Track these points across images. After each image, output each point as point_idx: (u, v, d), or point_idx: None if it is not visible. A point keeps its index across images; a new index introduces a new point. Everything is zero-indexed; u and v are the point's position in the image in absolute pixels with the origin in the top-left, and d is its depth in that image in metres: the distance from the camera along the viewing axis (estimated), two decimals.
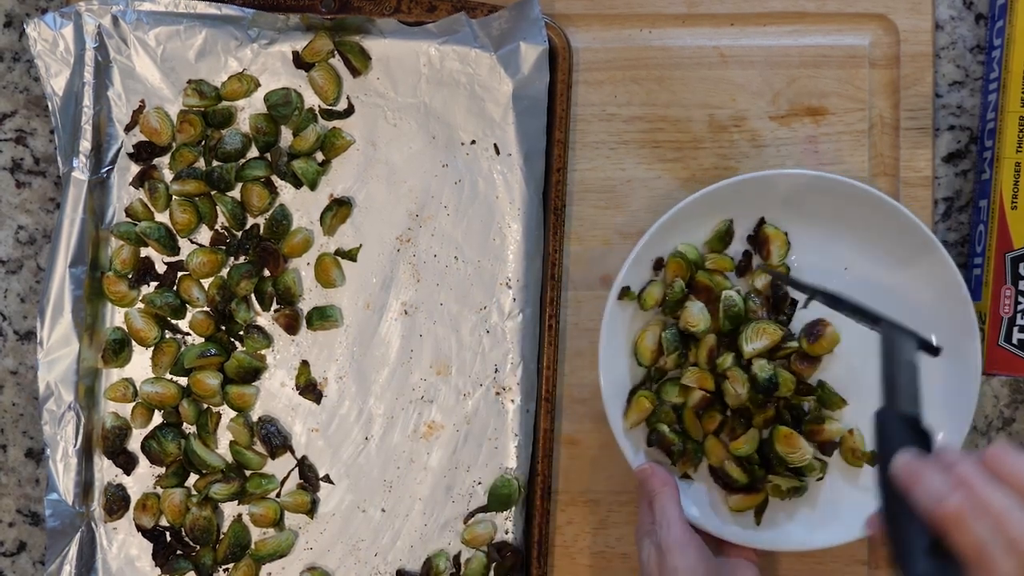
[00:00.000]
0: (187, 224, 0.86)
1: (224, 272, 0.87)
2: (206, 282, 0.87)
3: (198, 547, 0.85)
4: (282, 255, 0.86)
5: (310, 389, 0.86)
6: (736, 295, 0.81)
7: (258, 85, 0.87)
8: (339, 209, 0.86)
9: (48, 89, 0.85)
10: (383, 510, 0.85)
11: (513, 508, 0.85)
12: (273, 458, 0.86)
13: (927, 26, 0.86)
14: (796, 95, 0.86)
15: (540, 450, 0.84)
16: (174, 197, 0.86)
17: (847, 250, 0.83)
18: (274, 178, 0.87)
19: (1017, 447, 0.57)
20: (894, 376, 0.63)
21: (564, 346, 0.86)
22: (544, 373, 0.85)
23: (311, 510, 0.86)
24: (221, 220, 0.87)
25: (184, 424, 0.87)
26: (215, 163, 0.86)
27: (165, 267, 0.87)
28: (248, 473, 0.86)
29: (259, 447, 0.86)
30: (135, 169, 0.87)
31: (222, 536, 0.86)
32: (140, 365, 0.87)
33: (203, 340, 0.86)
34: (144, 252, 0.87)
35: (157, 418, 0.87)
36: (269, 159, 0.87)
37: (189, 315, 0.87)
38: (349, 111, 0.87)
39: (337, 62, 0.87)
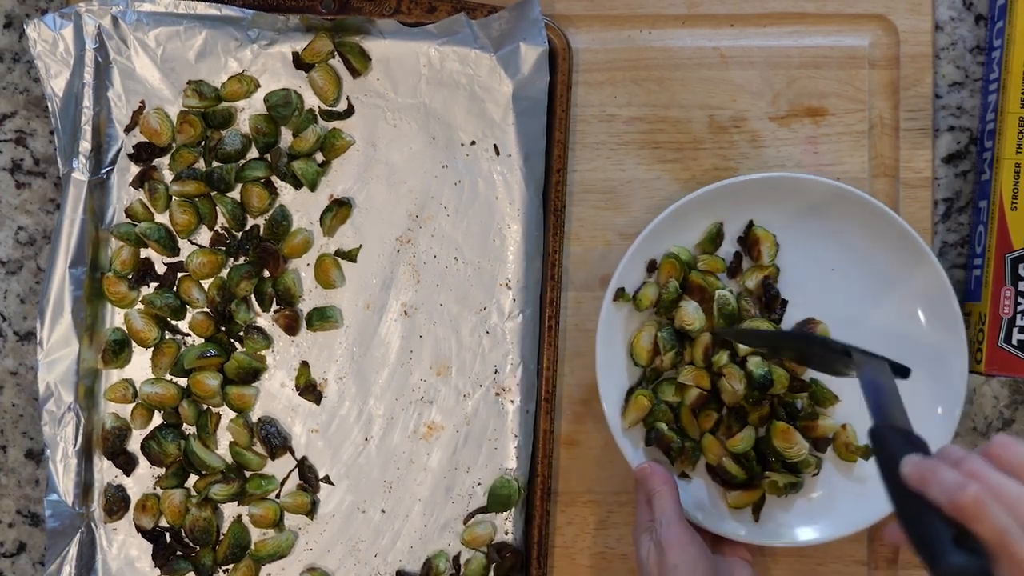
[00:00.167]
0: (187, 225, 0.86)
1: (224, 273, 0.87)
2: (206, 283, 0.87)
3: (198, 548, 0.85)
4: (282, 256, 0.86)
5: (310, 390, 0.86)
6: (729, 294, 0.82)
7: (258, 86, 0.87)
8: (339, 210, 0.86)
9: (48, 90, 0.85)
10: (383, 511, 0.85)
11: (513, 509, 0.85)
12: (273, 459, 0.86)
13: (927, 27, 0.86)
14: (796, 96, 0.86)
15: (540, 451, 0.84)
16: (174, 198, 0.86)
17: (834, 251, 0.84)
18: (274, 179, 0.87)
19: (1017, 438, 0.58)
20: (879, 397, 0.65)
21: (564, 347, 0.86)
22: (544, 374, 0.85)
23: (311, 511, 0.86)
24: (221, 221, 0.87)
25: (184, 425, 0.87)
26: (215, 164, 0.86)
27: (165, 268, 0.87)
28: (248, 474, 0.86)
29: (259, 448, 0.86)
30: (135, 170, 0.87)
31: (222, 537, 0.86)
32: (140, 366, 0.87)
33: (203, 341, 0.86)
34: (144, 253, 0.87)
35: (157, 419, 0.87)
36: (269, 160, 0.87)
37: (189, 316, 0.87)
38: (349, 112, 0.87)
39: (337, 63, 0.87)
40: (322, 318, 0.86)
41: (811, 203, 0.82)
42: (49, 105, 0.85)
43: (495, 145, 0.86)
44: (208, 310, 0.87)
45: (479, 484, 0.85)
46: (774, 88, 0.86)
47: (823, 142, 0.86)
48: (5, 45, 0.91)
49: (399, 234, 0.86)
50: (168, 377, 0.86)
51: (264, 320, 0.87)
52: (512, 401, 0.85)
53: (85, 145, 0.85)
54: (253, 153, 0.87)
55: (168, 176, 0.87)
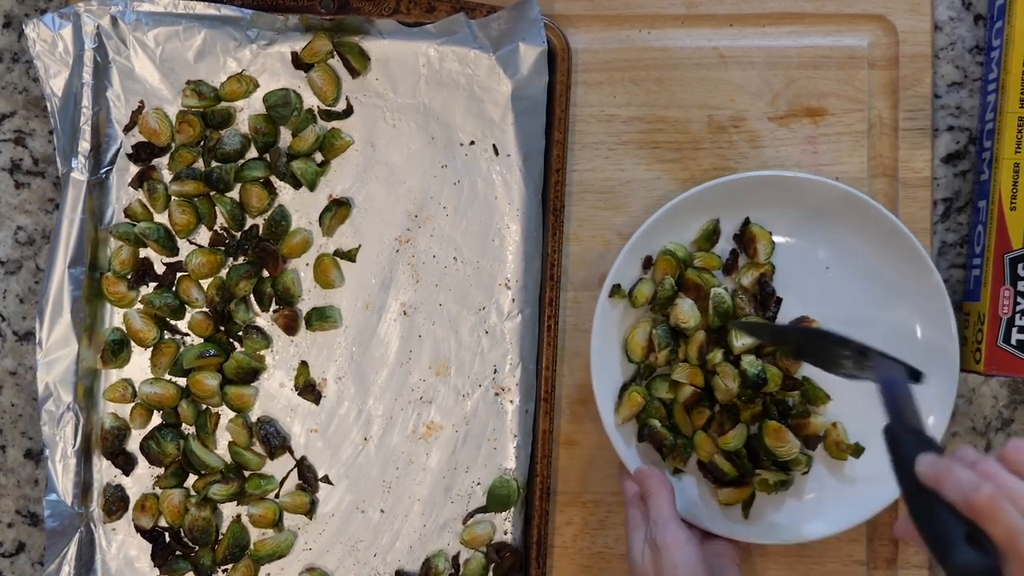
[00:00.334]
0: (186, 225, 0.86)
1: (223, 273, 0.87)
2: (205, 283, 0.87)
3: (197, 548, 0.85)
4: (281, 256, 0.86)
5: (309, 390, 0.86)
6: (724, 292, 0.82)
7: (257, 86, 0.87)
8: (338, 210, 0.86)
9: (47, 90, 0.85)
10: (382, 511, 0.85)
11: (512, 509, 0.85)
12: (272, 459, 0.86)
13: (926, 27, 0.86)
14: (795, 96, 0.86)
15: (539, 451, 0.84)
16: (173, 198, 0.86)
17: (830, 250, 0.84)
18: (273, 179, 0.87)
19: None
20: (894, 397, 0.66)
21: (563, 347, 0.86)
22: (543, 374, 0.85)
23: (310, 511, 0.86)
24: (220, 221, 0.87)
25: (183, 425, 0.87)
26: (214, 164, 0.86)
27: (164, 268, 0.87)
28: (247, 474, 0.86)
29: (258, 448, 0.86)
30: (134, 170, 0.87)
31: (221, 537, 0.86)
32: (139, 366, 0.87)
33: (202, 341, 0.86)
34: (143, 253, 0.87)
35: (156, 419, 0.87)
36: (268, 160, 0.87)
37: (188, 316, 0.87)
38: (348, 112, 0.87)
39: (336, 63, 0.87)
40: (321, 318, 0.86)
41: (807, 202, 0.82)
42: (48, 105, 0.85)
43: (494, 145, 0.86)
44: (207, 310, 0.87)
45: (478, 484, 0.85)
46: (773, 88, 0.86)
47: (822, 142, 0.86)
48: (4, 45, 0.91)
49: (398, 234, 0.86)
50: (167, 377, 0.86)
51: (263, 320, 0.87)
52: (511, 401, 0.85)
53: (84, 145, 0.85)
54: (252, 153, 0.87)
55: (167, 176, 0.87)
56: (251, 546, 0.86)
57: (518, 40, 0.84)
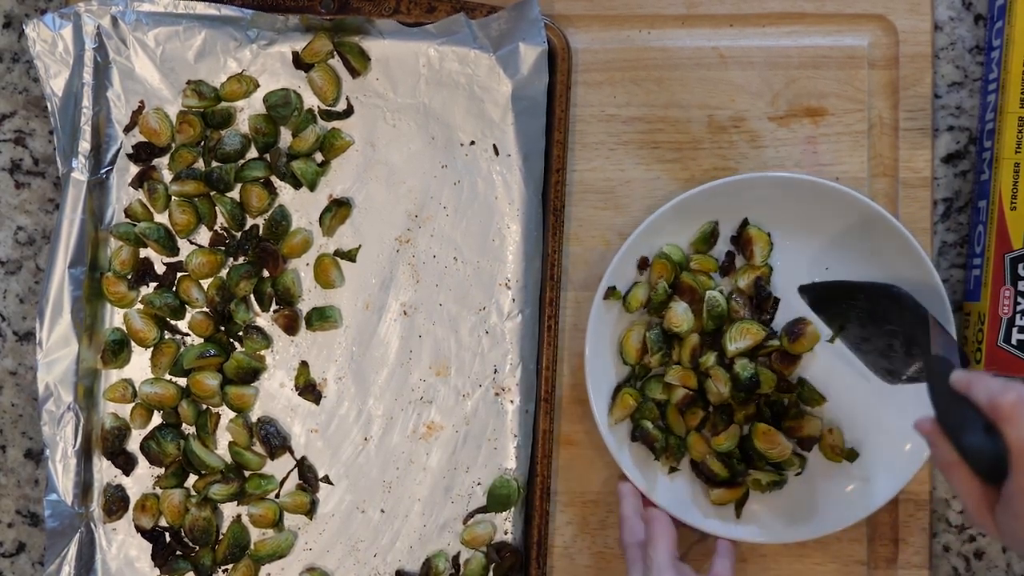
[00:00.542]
0: (186, 225, 0.86)
1: (223, 273, 0.87)
2: (205, 283, 0.87)
3: (197, 548, 0.85)
4: (281, 256, 0.86)
5: (309, 390, 0.86)
6: (719, 295, 0.82)
7: (257, 86, 0.87)
8: (338, 210, 0.86)
9: (47, 90, 0.85)
10: (382, 511, 0.85)
11: (512, 509, 0.85)
12: (272, 459, 0.86)
13: (926, 27, 0.86)
14: (795, 96, 0.86)
15: (539, 451, 0.84)
16: (173, 198, 0.86)
17: (829, 251, 0.84)
18: (273, 179, 0.87)
19: None
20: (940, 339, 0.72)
21: (563, 347, 0.86)
22: (543, 374, 0.85)
23: (310, 511, 0.85)
24: (220, 221, 0.87)
25: (183, 425, 0.87)
26: (214, 164, 0.86)
27: (164, 268, 0.87)
28: (247, 474, 0.86)
29: (258, 448, 0.86)
30: (134, 170, 0.87)
31: (221, 537, 0.86)
32: (139, 366, 0.87)
33: (202, 341, 0.86)
34: (143, 253, 0.87)
35: (156, 419, 0.87)
36: (268, 160, 0.87)
37: (188, 316, 0.87)
38: (348, 112, 0.87)
39: (336, 63, 0.87)
40: (321, 318, 0.86)
41: (806, 203, 0.82)
42: (48, 105, 0.85)
43: (494, 145, 0.86)
44: (207, 310, 0.87)
45: (478, 484, 0.85)
46: (773, 88, 0.86)
47: (822, 142, 0.86)
48: (4, 45, 0.91)
49: (398, 234, 0.86)
50: (167, 377, 0.86)
51: (263, 320, 0.87)
52: (511, 401, 0.85)
53: (84, 145, 0.85)
54: (252, 153, 0.87)
55: (167, 176, 0.87)
56: (251, 546, 0.86)
57: (518, 40, 0.84)
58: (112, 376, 0.87)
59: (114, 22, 0.85)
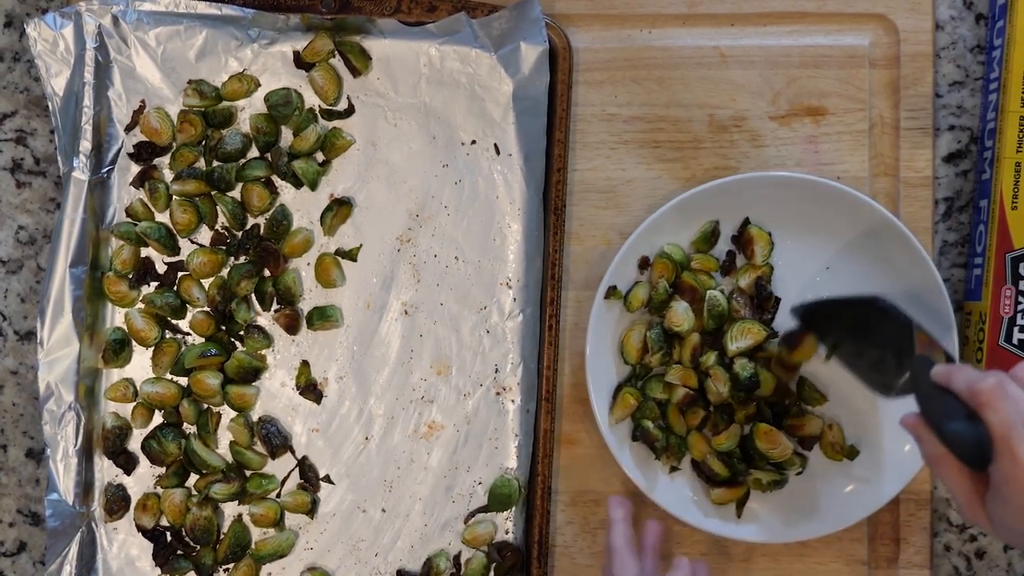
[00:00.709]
0: (187, 224, 0.86)
1: (224, 272, 0.87)
2: (206, 282, 0.87)
3: (198, 547, 0.85)
4: (282, 255, 0.86)
5: (310, 389, 0.86)
6: (720, 295, 0.82)
7: (258, 85, 0.87)
8: (339, 209, 0.86)
9: (48, 89, 0.85)
10: (383, 510, 0.85)
11: (513, 508, 0.85)
12: (273, 458, 0.86)
13: (927, 26, 0.86)
14: (796, 95, 0.86)
15: (540, 450, 0.84)
16: (174, 197, 0.86)
17: (830, 250, 0.84)
18: (274, 178, 0.87)
19: None
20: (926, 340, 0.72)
21: (564, 346, 0.86)
22: (544, 373, 0.85)
23: (311, 510, 0.86)
24: (221, 220, 0.87)
25: (184, 424, 0.87)
26: (215, 163, 0.86)
27: (165, 267, 0.87)
28: (248, 473, 0.86)
29: (259, 447, 0.86)
30: (135, 169, 0.87)
31: (222, 536, 0.86)
32: (140, 365, 0.87)
33: (203, 340, 0.86)
34: (144, 252, 0.87)
35: (157, 418, 0.87)
36: (269, 159, 0.87)
37: (189, 315, 0.87)
38: (349, 111, 0.87)
39: (337, 62, 0.87)
40: (322, 317, 0.86)
41: (807, 202, 0.82)
42: (49, 104, 0.85)
43: (495, 144, 0.86)
44: (208, 309, 0.87)
45: (479, 483, 0.85)
46: (774, 87, 0.86)
47: (823, 141, 0.86)
48: (5, 44, 0.91)
49: (399, 233, 0.86)
50: (168, 376, 0.86)
51: (264, 319, 0.87)
52: (512, 400, 0.85)
53: (85, 144, 0.85)
54: (253, 152, 0.87)
55: (168, 175, 0.87)
56: (252, 545, 0.86)
57: (519, 39, 0.84)
58: (113, 375, 0.87)
59: (115, 21, 0.85)
